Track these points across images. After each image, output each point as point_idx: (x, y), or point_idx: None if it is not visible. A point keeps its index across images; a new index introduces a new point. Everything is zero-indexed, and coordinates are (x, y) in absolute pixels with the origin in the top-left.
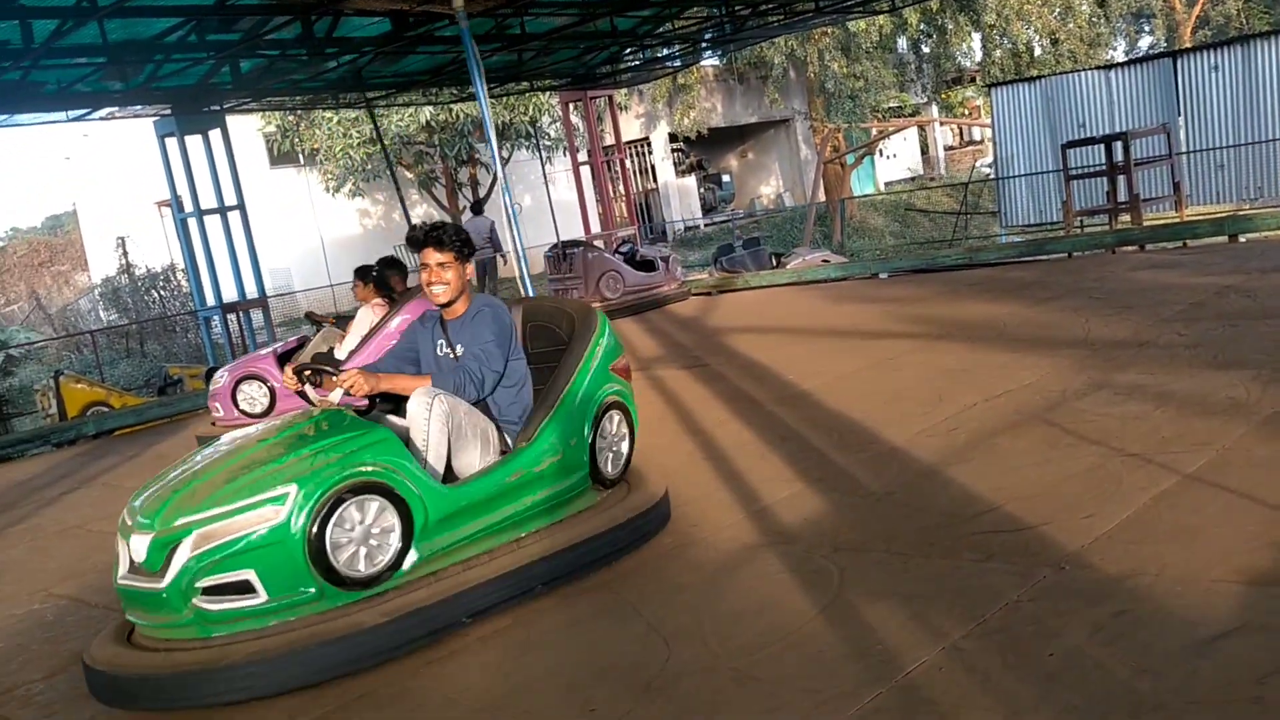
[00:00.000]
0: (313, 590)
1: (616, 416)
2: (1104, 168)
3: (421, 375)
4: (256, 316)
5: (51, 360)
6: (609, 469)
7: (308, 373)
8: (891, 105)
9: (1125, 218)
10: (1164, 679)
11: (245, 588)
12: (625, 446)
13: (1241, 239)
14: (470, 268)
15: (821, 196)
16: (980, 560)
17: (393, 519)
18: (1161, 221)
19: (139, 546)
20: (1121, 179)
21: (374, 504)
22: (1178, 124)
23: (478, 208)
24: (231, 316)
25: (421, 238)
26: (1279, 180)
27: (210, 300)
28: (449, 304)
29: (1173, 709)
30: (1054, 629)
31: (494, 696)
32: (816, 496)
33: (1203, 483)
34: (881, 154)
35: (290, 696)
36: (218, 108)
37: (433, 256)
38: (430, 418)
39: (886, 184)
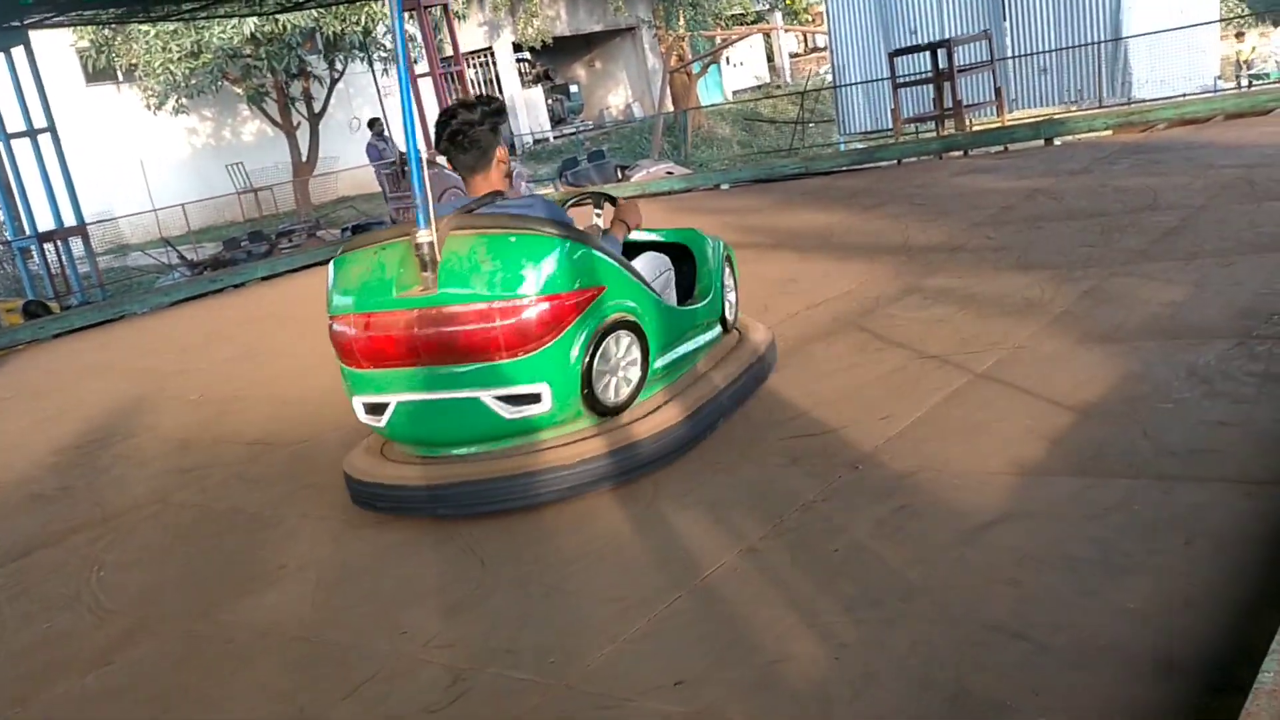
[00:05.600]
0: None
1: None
2: (930, 74)
3: None
4: (76, 245)
5: None
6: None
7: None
8: (734, 13)
9: (950, 124)
10: (934, 567)
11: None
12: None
13: (1056, 142)
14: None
15: (670, 106)
16: (785, 465)
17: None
18: (984, 127)
19: None
20: (946, 85)
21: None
22: (1003, 29)
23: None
24: (49, 246)
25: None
26: (1099, 83)
27: (26, 230)
28: None
29: (937, 593)
30: (841, 526)
31: (307, 626)
32: None
33: (991, 380)
34: (728, 62)
35: None
36: (18, 23)
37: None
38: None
39: (734, 93)
